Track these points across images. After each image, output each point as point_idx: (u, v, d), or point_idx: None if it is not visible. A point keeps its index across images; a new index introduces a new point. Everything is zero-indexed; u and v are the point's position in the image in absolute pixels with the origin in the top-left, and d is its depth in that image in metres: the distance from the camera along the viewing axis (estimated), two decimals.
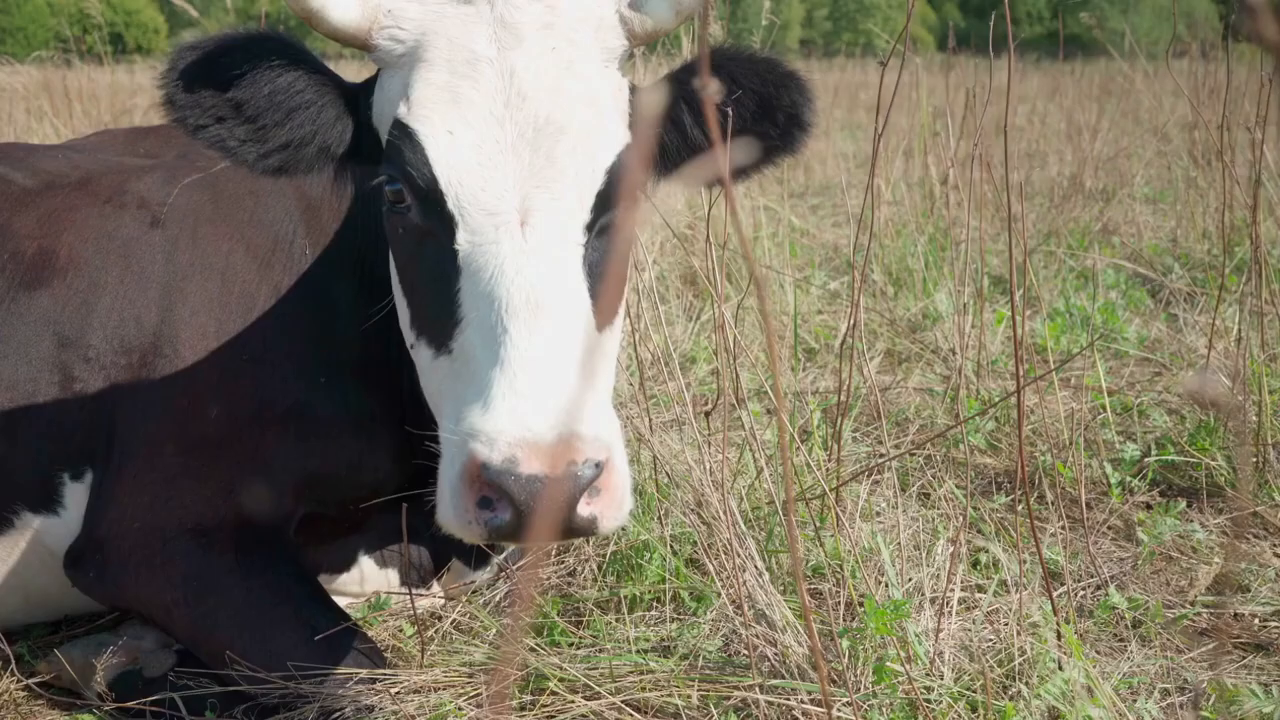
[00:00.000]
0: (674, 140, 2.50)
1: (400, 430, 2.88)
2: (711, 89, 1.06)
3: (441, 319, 2.17)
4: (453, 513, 1.97)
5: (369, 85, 2.45)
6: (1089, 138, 9.84)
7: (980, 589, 3.01)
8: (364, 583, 3.07)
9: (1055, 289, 6.09)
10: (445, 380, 2.18)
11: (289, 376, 2.84)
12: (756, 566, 2.66)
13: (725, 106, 2.45)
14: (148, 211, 2.99)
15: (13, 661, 2.86)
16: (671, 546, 2.97)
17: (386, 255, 2.72)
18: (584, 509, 1.93)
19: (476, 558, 3.08)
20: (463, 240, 2.13)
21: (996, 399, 4.23)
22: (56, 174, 3.12)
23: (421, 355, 2.29)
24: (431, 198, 2.16)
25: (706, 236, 3.10)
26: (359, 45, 2.35)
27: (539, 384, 1.95)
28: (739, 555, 2.63)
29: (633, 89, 2.47)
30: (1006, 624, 2.75)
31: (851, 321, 3.10)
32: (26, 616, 3.07)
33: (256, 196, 3.01)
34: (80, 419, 2.84)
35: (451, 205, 2.14)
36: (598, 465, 1.91)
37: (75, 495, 2.86)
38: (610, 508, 1.97)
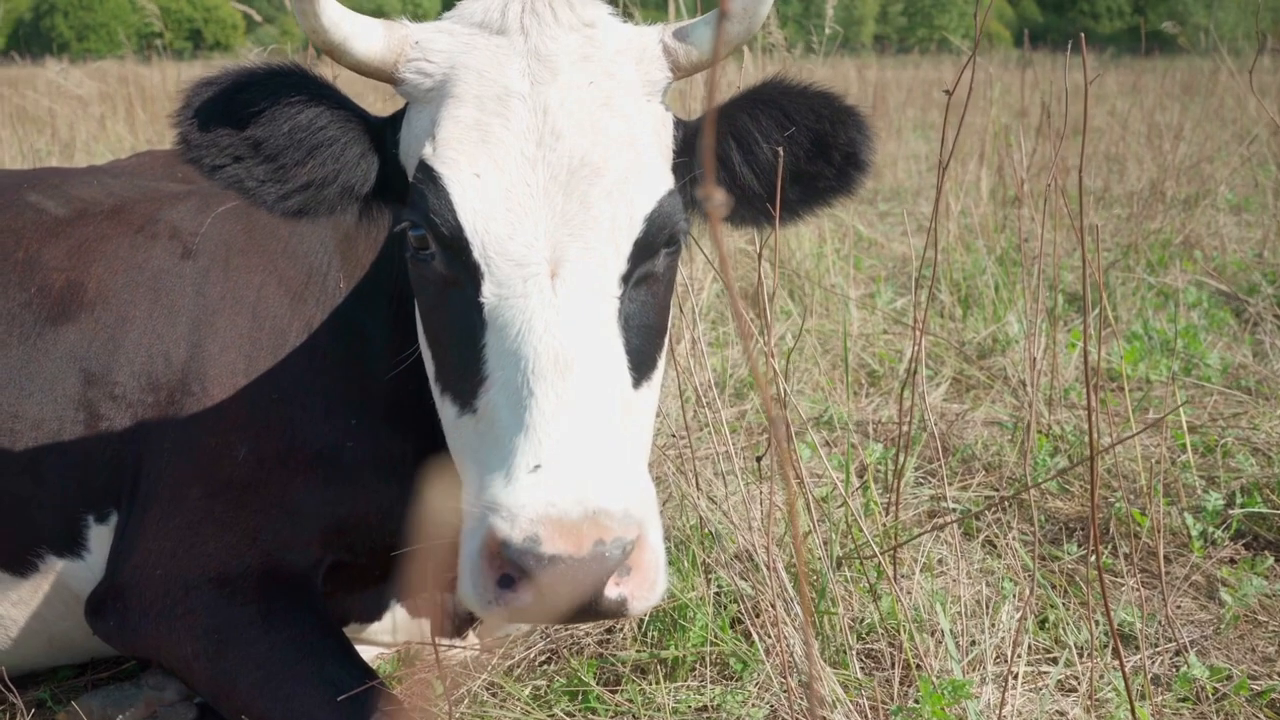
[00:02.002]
0: (721, 179, 2.34)
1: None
2: (717, 200, 0.89)
3: (466, 375, 2.03)
4: (472, 590, 1.83)
5: (395, 120, 2.31)
6: (1170, 142, 9.49)
7: (1048, 655, 2.81)
8: (396, 632, 2.94)
9: (1133, 308, 5.82)
10: (469, 441, 2.04)
11: (319, 417, 2.72)
12: (806, 639, 2.48)
13: (777, 145, 2.28)
14: (179, 242, 2.89)
15: (25, 712, 2.77)
16: (716, 602, 2.80)
17: None
18: (612, 590, 1.78)
19: None
20: (488, 292, 1.98)
21: (1069, 436, 4.00)
22: (90, 201, 3.03)
23: (446, 411, 2.15)
24: (456, 246, 2.02)
25: (759, 256, 2.93)
26: (385, 79, 2.22)
27: (565, 454, 1.81)
28: (786, 623, 2.46)
29: (678, 123, 2.31)
30: (1076, 698, 2.56)
31: (913, 367, 2.90)
32: (51, 660, 2.99)
33: (291, 227, 2.89)
34: (106, 459, 2.75)
35: (477, 254, 2.00)
36: (627, 544, 1.76)
37: (100, 538, 2.76)
38: (641, 588, 1.81)
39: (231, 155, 2.18)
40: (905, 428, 3.06)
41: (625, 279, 2.03)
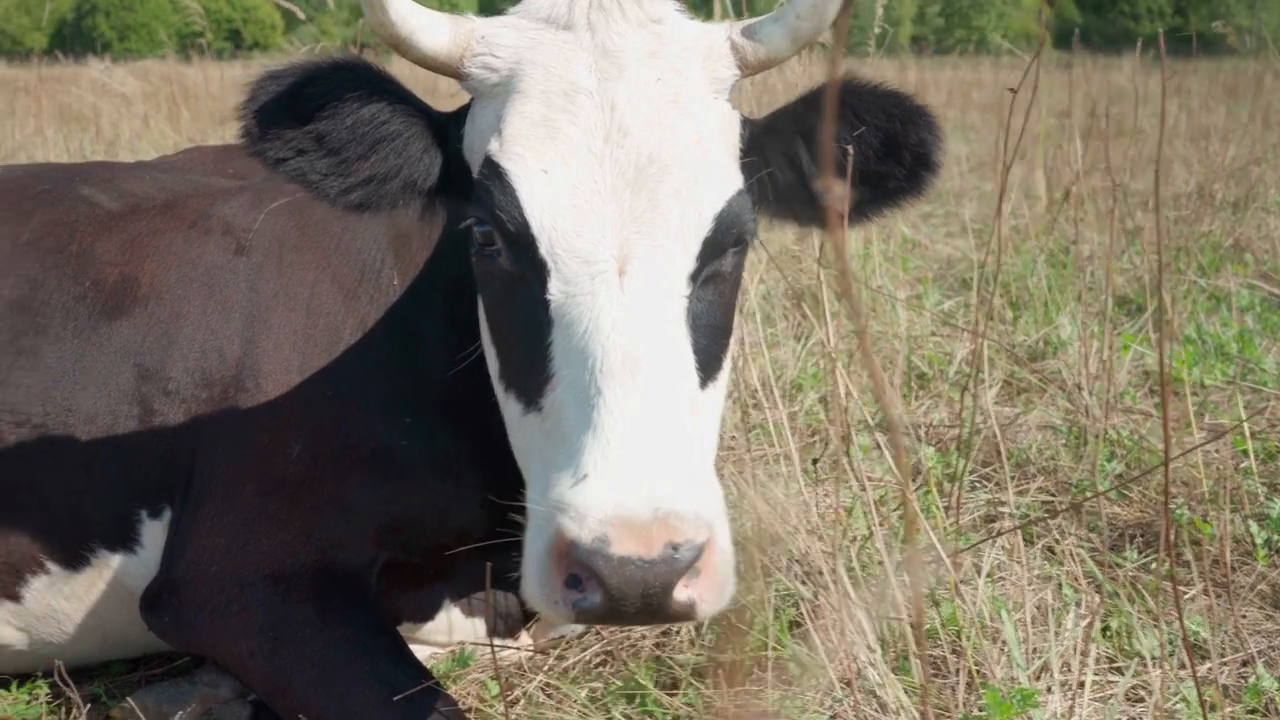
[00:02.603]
0: (788, 178, 2.30)
1: (489, 473, 2.72)
2: (836, 192, 0.85)
3: (532, 373, 2.00)
4: (538, 590, 1.80)
5: (460, 115, 2.29)
6: (1218, 143, 9.35)
7: (1113, 664, 2.75)
8: (450, 632, 2.91)
9: (1184, 311, 5.72)
10: (534, 439, 2.01)
11: (374, 415, 2.70)
12: (869, 644, 2.44)
13: (846, 144, 2.24)
14: (232, 238, 2.87)
15: (81, 706, 2.76)
16: (774, 608, 2.76)
17: (476, 292, 2.56)
18: (681, 593, 1.73)
19: None
20: (555, 290, 1.95)
21: (1125, 441, 3.93)
22: (142, 196, 3.03)
23: (510, 409, 2.12)
24: (522, 243, 1.99)
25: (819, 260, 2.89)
26: (450, 73, 2.19)
27: (634, 454, 1.77)
28: (849, 630, 2.41)
29: (744, 121, 2.27)
30: (1143, 706, 2.50)
31: (974, 371, 2.85)
32: (104, 655, 2.99)
33: (345, 223, 2.87)
34: (159, 454, 2.74)
35: (544, 251, 1.97)
36: (698, 547, 1.72)
37: (153, 534, 2.75)
38: (710, 591, 1.77)
39: (295, 149, 2.16)
40: (963, 431, 3.00)
41: (693, 278, 2.00)
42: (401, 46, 2.11)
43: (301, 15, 8.58)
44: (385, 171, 2.22)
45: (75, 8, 76.93)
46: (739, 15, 5.17)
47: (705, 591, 1.76)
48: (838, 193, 0.87)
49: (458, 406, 2.69)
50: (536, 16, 2.19)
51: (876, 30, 5.67)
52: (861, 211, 2.31)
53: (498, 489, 2.69)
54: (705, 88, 2.16)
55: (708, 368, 2.02)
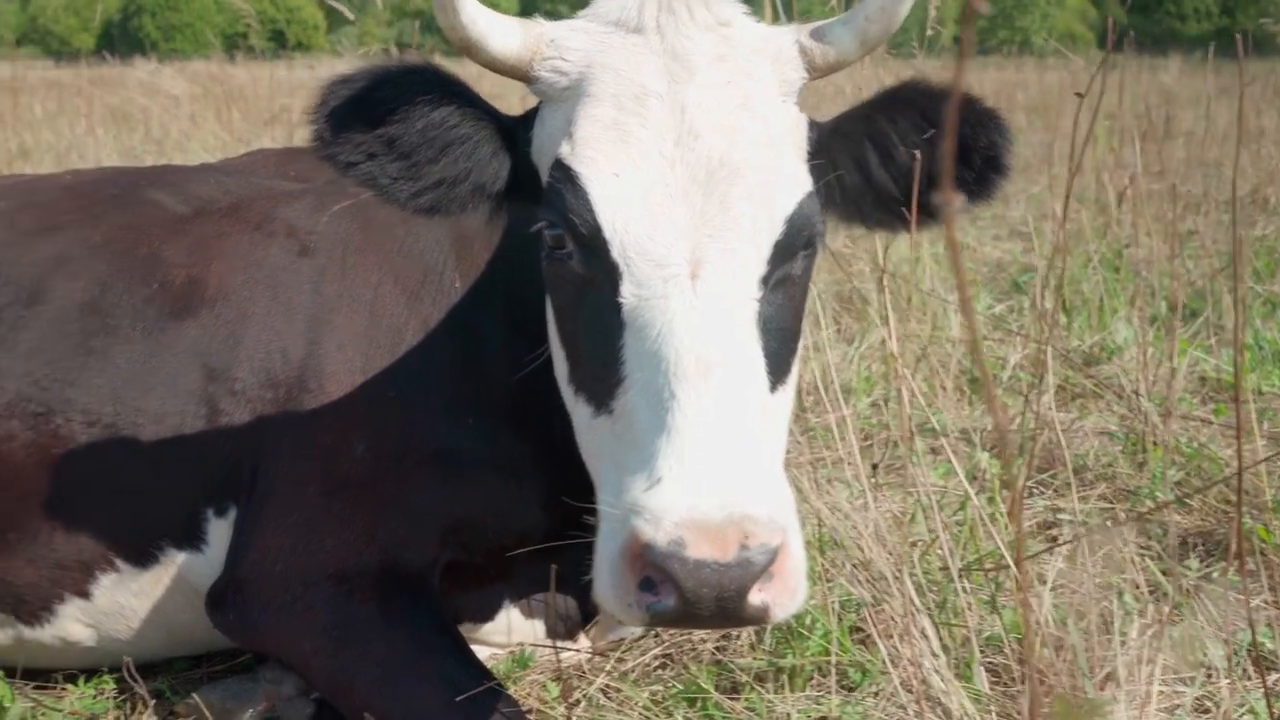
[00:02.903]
0: (856, 182, 2.29)
1: (551, 475, 2.73)
2: (955, 205, 0.85)
3: (603, 376, 2.00)
4: (612, 592, 1.80)
5: (528, 118, 2.30)
6: (1271, 146, 9.23)
7: (1176, 674, 2.72)
8: (510, 633, 2.92)
9: (1240, 316, 5.65)
10: (605, 443, 2.01)
11: (436, 415, 2.72)
12: (933, 649, 2.43)
13: (914, 148, 2.23)
14: (296, 240, 2.90)
15: (147, 701, 2.80)
16: (836, 613, 2.75)
17: (540, 291, 2.57)
18: (755, 596, 1.74)
19: None
20: (628, 293, 1.96)
21: (1184, 449, 3.89)
22: (208, 199, 3.06)
23: (579, 412, 2.12)
24: (594, 245, 2.00)
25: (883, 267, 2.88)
26: (519, 77, 2.20)
27: (709, 457, 1.78)
28: (914, 636, 2.40)
29: (811, 124, 2.27)
30: (1210, 718, 2.48)
31: (1038, 380, 2.83)
32: (169, 651, 3.03)
33: (407, 225, 2.89)
34: (225, 454, 2.77)
35: (616, 254, 1.97)
36: (772, 550, 1.72)
37: (219, 532, 2.78)
38: (783, 595, 1.77)
39: (365, 153, 2.17)
40: (1022, 438, 2.99)
41: (764, 281, 2.00)
42: (472, 50, 2.12)
43: (350, 16, 8.64)
44: (455, 175, 2.23)
45: (122, 9, 77.79)
46: (789, 18, 5.16)
47: (778, 595, 1.76)
48: (952, 203, 0.87)
49: (520, 408, 2.70)
50: (605, 20, 2.20)
51: (929, 33, 5.62)
52: (930, 214, 2.28)
53: (560, 491, 2.71)
54: (774, 91, 2.16)
55: (777, 371, 2.02)
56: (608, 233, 1.98)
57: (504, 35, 2.13)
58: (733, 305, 1.94)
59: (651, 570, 1.73)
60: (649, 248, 1.96)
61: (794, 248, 2.04)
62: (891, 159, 2.27)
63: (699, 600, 1.70)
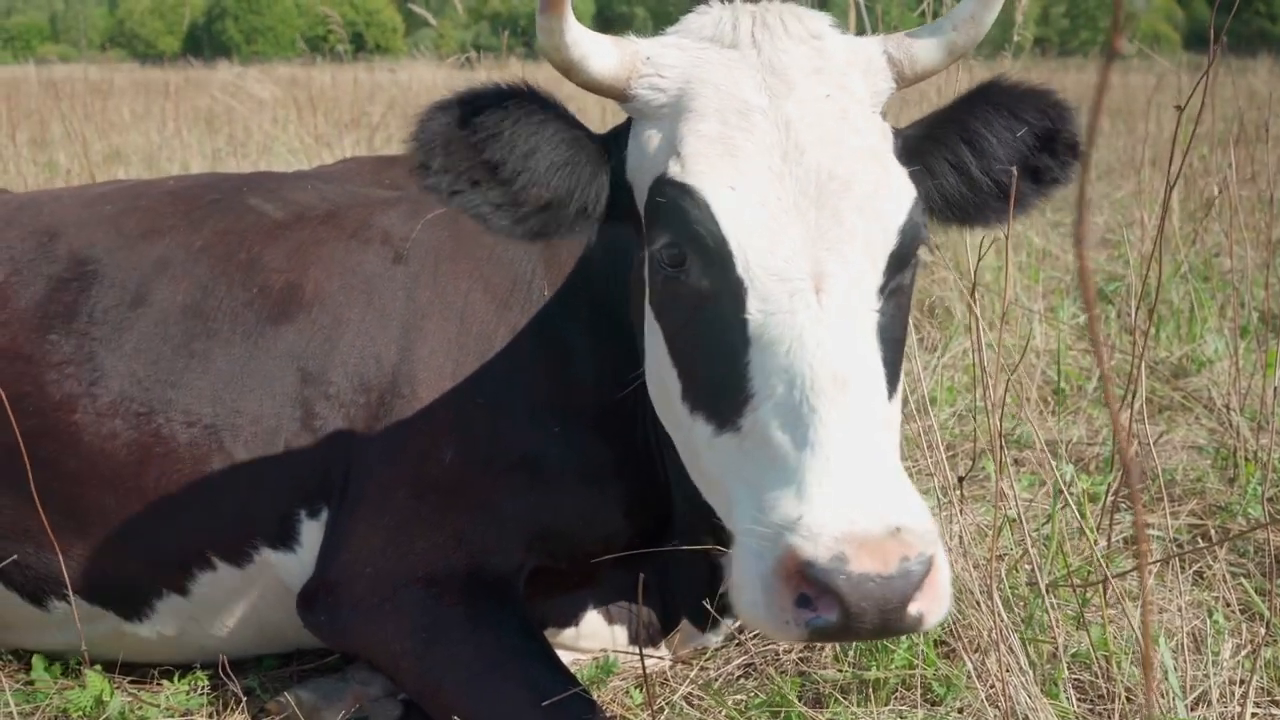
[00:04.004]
0: (954, 184, 2.31)
1: (634, 483, 2.76)
2: (1084, 240, 0.86)
3: (726, 393, 1.99)
4: (765, 611, 1.79)
5: (618, 137, 2.30)
6: None
7: (1269, 695, 2.67)
8: (592, 639, 2.95)
9: None
10: (731, 460, 1.99)
11: (523, 422, 2.75)
12: (1020, 665, 2.41)
13: (1009, 144, 2.28)
14: (391, 247, 2.95)
15: (240, 698, 2.87)
16: None
17: (625, 299, 2.60)
18: (911, 607, 1.75)
19: (710, 621, 2.93)
20: (754, 309, 1.95)
21: (1277, 464, 3.81)
22: (305, 206, 3.12)
23: (698, 431, 2.09)
24: (718, 261, 2.00)
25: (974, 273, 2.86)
26: (614, 95, 2.20)
27: (856, 470, 1.79)
28: (1002, 652, 2.38)
29: (895, 132, 2.27)
30: None
31: (1129, 394, 2.79)
32: (259, 649, 3.10)
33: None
34: (319, 457, 2.82)
35: (740, 270, 1.97)
36: (928, 560, 1.74)
37: (311, 533, 2.84)
38: (935, 602, 1.78)
39: (469, 180, 2.16)
40: (1117, 451, 2.94)
41: (880, 292, 2.01)
42: (572, 71, 2.13)
43: (432, 21, 8.74)
44: (560, 198, 2.21)
45: (206, 11, 79.36)
46: (873, 28, 5.15)
47: (931, 603, 1.77)
48: (1084, 240, 0.87)
49: (604, 416, 2.73)
50: (700, 36, 2.21)
51: (1016, 38, 5.56)
52: (1024, 203, 2.33)
53: (640, 499, 2.74)
54: (867, 102, 2.18)
55: (892, 381, 2.03)
56: (732, 247, 1.97)
57: (603, 55, 2.14)
58: (857, 318, 1.95)
59: (809, 587, 1.73)
60: (771, 262, 1.96)
61: (906, 257, 2.06)
62: (989, 157, 2.30)
63: (863, 614, 1.70)
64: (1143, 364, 2.75)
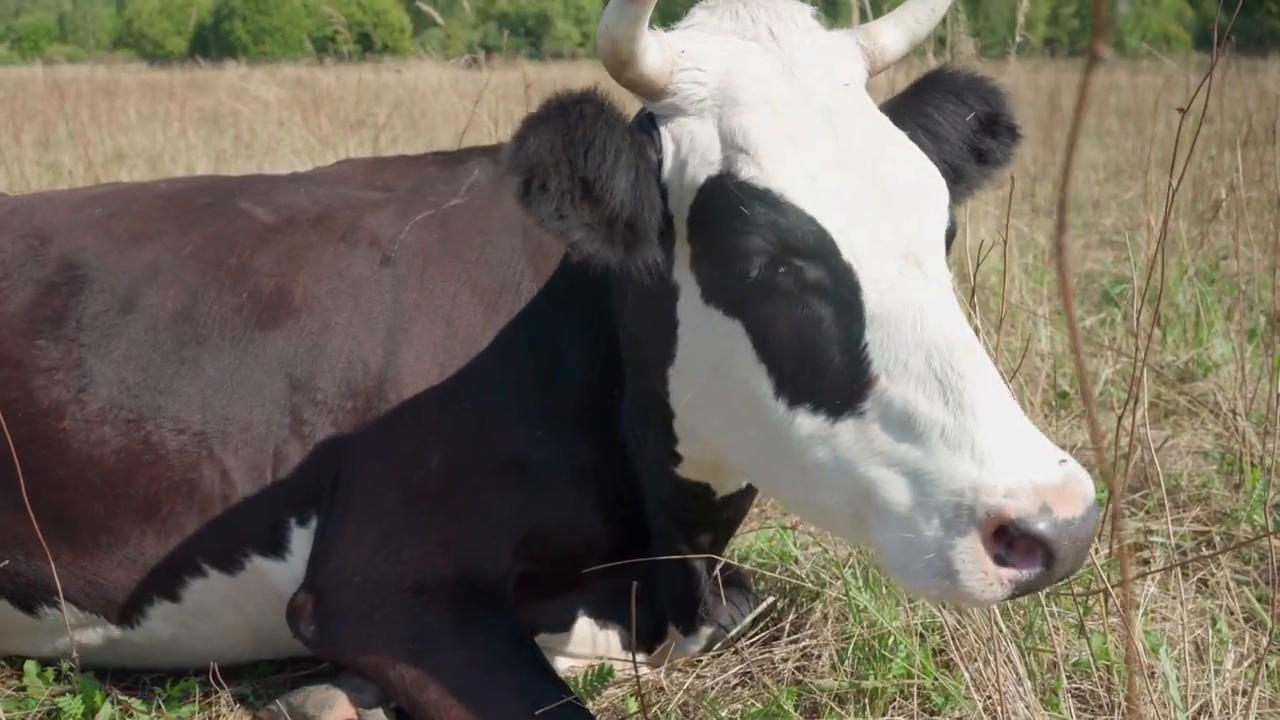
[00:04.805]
0: None
1: (614, 485, 2.73)
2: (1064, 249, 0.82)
3: (843, 380, 1.96)
4: (968, 580, 1.79)
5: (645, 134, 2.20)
6: None
7: (1277, 709, 2.63)
8: (584, 644, 2.92)
9: None
10: (858, 447, 1.94)
11: (510, 426, 2.71)
12: (1017, 673, 2.38)
13: (959, 129, 2.38)
14: (378, 249, 2.92)
15: (231, 705, 2.84)
16: (919, 634, 2.70)
17: (616, 299, 2.57)
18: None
19: (692, 627, 2.90)
20: (869, 289, 1.95)
21: None
22: (297, 209, 3.09)
23: (799, 427, 2.01)
24: (820, 252, 1.97)
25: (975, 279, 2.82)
26: (654, 92, 2.15)
27: (1017, 426, 1.82)
28: (996, 662, 2.35)
29: None
30: None
31: (1131, 400, 2.75)
32: (254, 654, 3.07)
33: (486, 235, 2.90)
34: (307, 464, 2.79)
35: (847, 255, 1.97)
36: (1094, 500, 1.79)
37: (300, 541, 2.81)
38: (1090, 542, 1.83)
39: (570, 200, 2.04)
40: (1116, 457, 2.91)
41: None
42: (628, 65, 2.06)
43: (439, 19, 8.72)
44: (642, 211, 2.10)
45: (214, 12, 79.48)
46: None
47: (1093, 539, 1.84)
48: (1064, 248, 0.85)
49: (588, 416, 2.70)
50: (719, 30, 2.21)
51: (1018, 39, 5.52)
52: (972, 184, 2.45)
53: (620, 505, 2.71)
54: (863, 88, 2.25)
55: None
56: (835, 234, 1.97)
57: (653, 49, 2.08)
58: (950, 286, 2.01)
59: (1004, 545, 1.76)
60: (874, 244, 1.97)
61: (953, 232, 2.12)
62: (943, 141, 2.39)
63: (1067, 558, 1.75)
64: (1145, 367, 2.70)
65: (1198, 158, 8.00)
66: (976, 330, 3.42)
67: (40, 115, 12.88)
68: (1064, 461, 1.78)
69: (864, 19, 4.82)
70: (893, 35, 2.34)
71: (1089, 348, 5.15)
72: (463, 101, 10.90)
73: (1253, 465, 3.75)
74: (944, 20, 5.43)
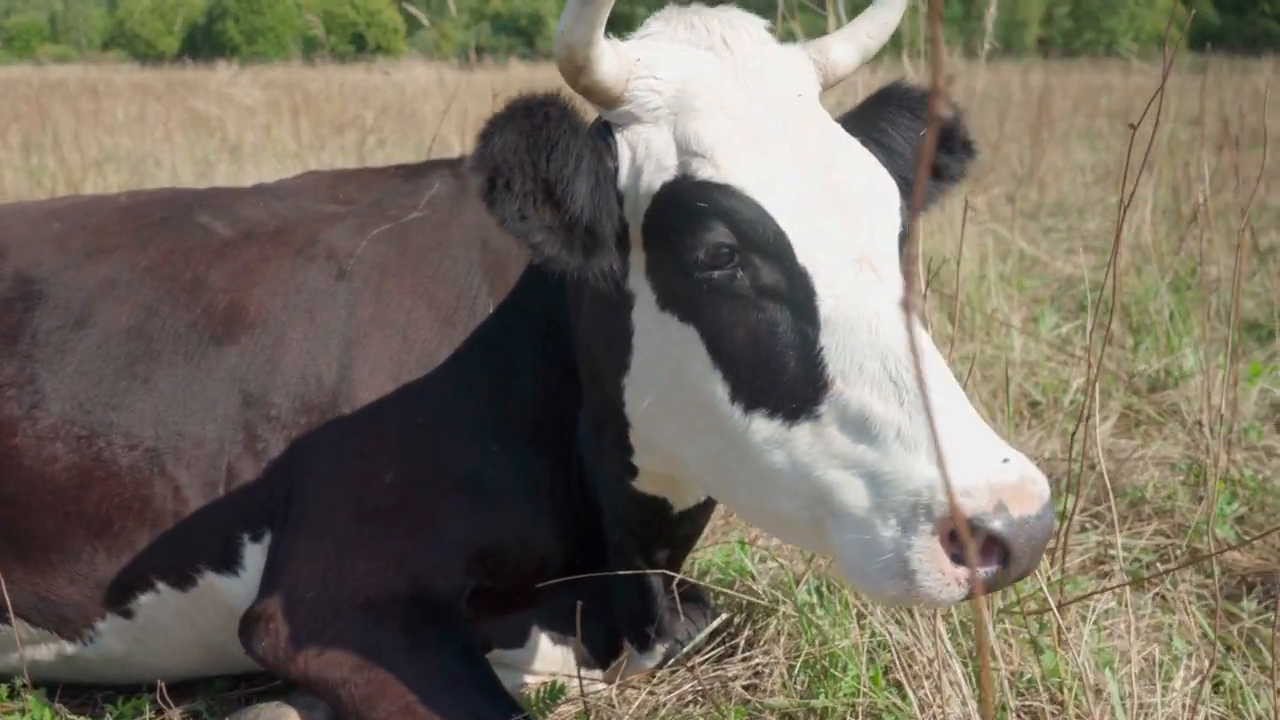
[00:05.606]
0: None
1: (570, 501, 2.72)
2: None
3: (798, 384, 1.96)
4: (925, 580, 1.80)
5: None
6: None
7: None
8: (539, 660, 2.91)
9: None
10: (814, 451, 1.94)
11: (465, 441, 2.70)
12: (963, 695, 2.37)
13: (912, 144, 2.39)
14: (335, 263, 2.91)
15: None
16: (868, 654, 2.70)
17: (571, 313, 2.56)
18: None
19: (646, 643, 2.90)
20: (824, 293, 1.96)
21: (1248, 481, 3.76)
22: (255, 223, 3.08)
23: (755, 431, 2.01)
24: (774, 255, 1.99)
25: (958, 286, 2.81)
26: (609, 100, 2.14)
27: (971, 427, 1.83)
28: (943, 681, 2.34)
29: None
30: None
31: (1083, 411, 2.75)
32: (208, 670, 3.06)
33: (444, 249, 2.89)
34: (260, 481, 2.78)
35: (803, 259, 1.98)
36: (1049, 499, 1.81)
37: (254, 556, 2.80)
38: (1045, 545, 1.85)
39: (532, 202, 2.05)
40: (1071, 467, 2.91)
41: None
42: (584, 71, 2.05)
43: (425, 21, 8.70)
44: (601, 216, 2.10)
45: (206, 12, 79.26)
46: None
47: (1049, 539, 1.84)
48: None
49: (544, 434, 2.69)
50: (674, 39, 2.22)
51: (987, 47, 5.51)
52: (928, 199, 2.49)
53: (574, 518, 2.70)
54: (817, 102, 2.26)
55: None
56: (792, 237, 1.98)
57: (609, 56, 2.08)
58: (903, 293, 2.00)
59: (956, 545, 1.77)
60: (830, 249, 1.98)
61: (904, 237, 2.10)
62: (897, 155, 2.39)
63: (1023, 555, 1.77)
64: (1098, 376, 2.70)
65: (1179, 160, 8.01)
66: (950, 339, 3.42)
67: (26, 117, 12.84)
68: (1009, 460, 1.78)
69: (839, 26, 4.81)
70: (844, 49, 2.36)
71: (1061, 356, 5.15)
72: (455, 104, 10.87)
73: (1220, 479, 3.75)
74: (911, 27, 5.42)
